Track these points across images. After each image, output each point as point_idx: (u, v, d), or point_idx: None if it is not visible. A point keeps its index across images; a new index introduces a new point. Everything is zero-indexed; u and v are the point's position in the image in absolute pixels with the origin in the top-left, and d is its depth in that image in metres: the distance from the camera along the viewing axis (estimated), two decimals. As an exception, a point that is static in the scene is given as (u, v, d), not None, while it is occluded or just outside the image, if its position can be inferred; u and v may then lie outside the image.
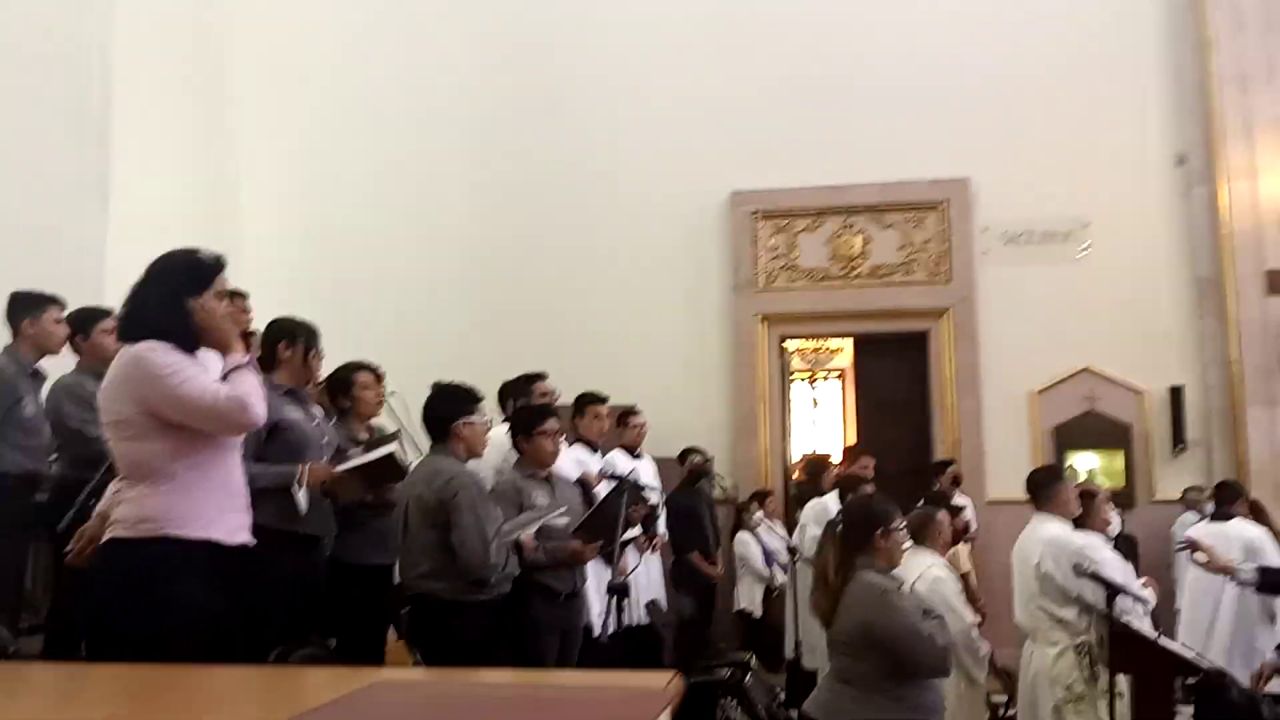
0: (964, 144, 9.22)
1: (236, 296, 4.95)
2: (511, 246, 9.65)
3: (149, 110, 9.28)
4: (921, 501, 6.77)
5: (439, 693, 0.86)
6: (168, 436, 2.97)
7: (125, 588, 2.92)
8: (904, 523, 4.34)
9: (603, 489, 5.52)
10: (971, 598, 6.28)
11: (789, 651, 7.13)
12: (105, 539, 3.01)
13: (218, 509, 3.03)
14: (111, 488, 3.11)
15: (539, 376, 6.07)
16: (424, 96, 9.90)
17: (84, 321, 5.01)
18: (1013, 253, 9.27)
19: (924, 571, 4.87)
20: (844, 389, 14.54)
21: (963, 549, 7.65)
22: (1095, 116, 9.11)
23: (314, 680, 1.44)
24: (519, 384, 6.05)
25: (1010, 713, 5.50)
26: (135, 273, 3.22)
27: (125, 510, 2.98)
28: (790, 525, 8.51)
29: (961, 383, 9.21)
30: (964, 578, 6.77)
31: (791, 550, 6.65)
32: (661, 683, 0.91)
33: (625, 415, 6.93)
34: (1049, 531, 4.99)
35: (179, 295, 3.06)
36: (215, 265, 3.16)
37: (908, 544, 4.59)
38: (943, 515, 5.36)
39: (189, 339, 3.06)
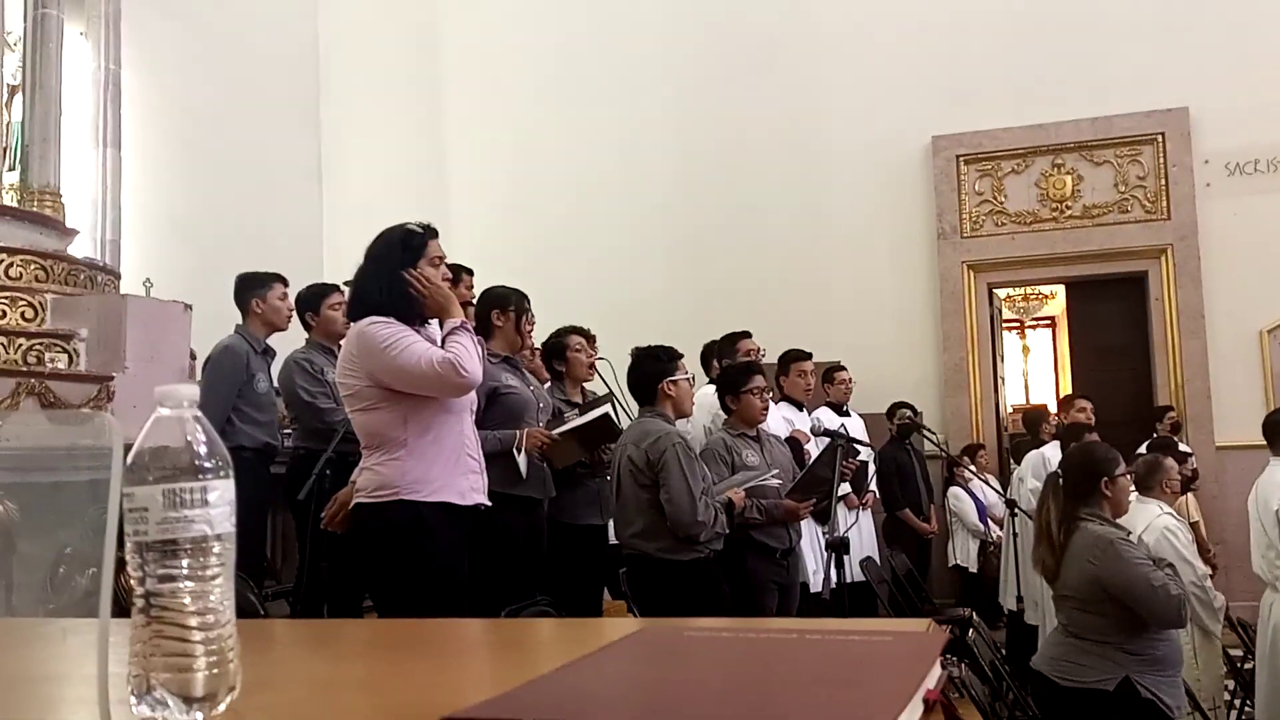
0: (1180, 71, 8.71)
1: (464, 273, 5.10)
2: (714, 208, 9.64)
3: (360, 98, 9.73)
4: (1144, 448, 6.52)
5: (710, 636, 0.87)
6: (397, 405, 3.12)
7: (371, 548, 3.15)
8: (1129, 470, 4.18)
9: (813, 446, 5.49)
10: (1202, 548, 6.00)
11: (1008, 606, 6.96)
12: (352, 504, 3.21)
13: (451, 472, 3.18)
14: (362, 458, 3.29)
15: (743, 335, 6.08)
16: (626, 65, 9.97)
17: (313, 298, 5.23)
18: (1237, 184, 8.72)
19: (1152, 521, 4.66)
20: (1055, 337, 14.03)
21: (1190, 498, 7.31)
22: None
23: (562, 631, 1.48)
24: (724, 343, 6.07)
25: (1248, 666, 5.23)
26: (350, 252, 3.39)
27: (366, 478, 3.17)
28: (1004, 479, 8.31)
29: (1185, 324, 8.76)
30: (1193, 527, 6.47)
31: (1009, 503, 6.46)
32: (922, 627, 0.91)
33: (831, 372, 6.87)
34: (1288, 476, 4.70)
35: (395, 270, 3.20)
36: (426, 234, 3.28)
37: (1133, 493, 4.41)
38: (1170, 462, 5.11)
39: (410, 310, 3.20)
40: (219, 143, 8.18)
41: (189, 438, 0.86)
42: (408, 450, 3.12)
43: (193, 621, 0.84)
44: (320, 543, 4.23)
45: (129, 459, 0.85)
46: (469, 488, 3.24)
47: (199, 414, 0.87)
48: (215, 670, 0.85)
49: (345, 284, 5.30)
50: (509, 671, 0.81)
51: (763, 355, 5.98)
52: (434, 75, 10.37)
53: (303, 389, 5.00)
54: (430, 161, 10.17)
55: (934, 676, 0.76)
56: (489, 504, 3.34)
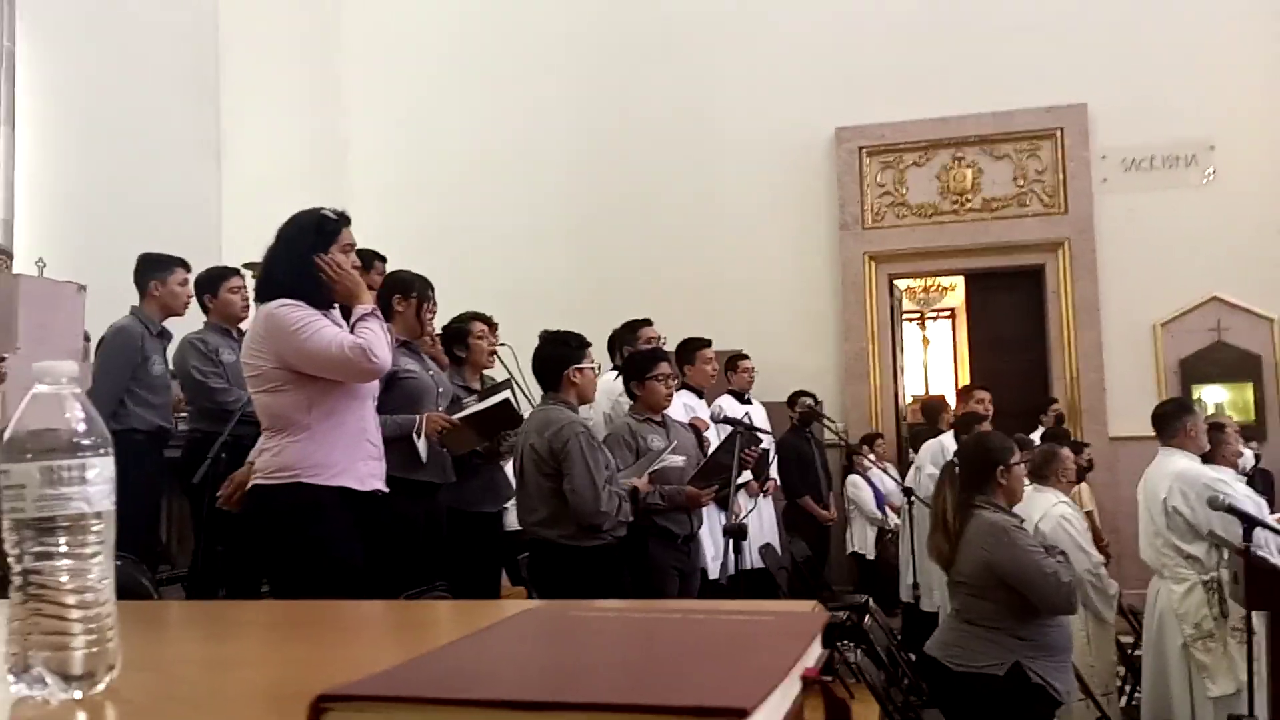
0: (1080, 67, 8.92)
1: (376, 259, 5.04)
2: (616, 194, 9.64)
3: (258, 72, 9.51)
4: (1038, 438, 6.70)
5: (593, 615, 0.88)
6: (302, 388, 3.12)
7: (266, 530, 3.14)
8: (1023, 459, 4.29)
9: (714, 434, 5.54)
10: (1097, 537, 6.17)
11: (904, 593, 7.11)
12: (249, 485, 3.20)
13: (351, 457, 3.18)
14: (260, 439, 3.28)
15: (644, 322, 6.10)
16: (528, 46, 9.92)
17: (212, 281, 5.17)
18: (1133, 179, 8.96)
19: (1048, 510, 4.79)
20: (955, 329, 14.31)
21: (1085, 487, 7.53)
22: (1218, 31, 8.74)
23: (463, 612, 1.48)
24: (624, 330, 6.09)
25: (1137, 652, 5.40)
26: (249, 231, 3.35)
27: (265, 459, 3.16)
28: (903, 467, 8.45)
29: (1080, 317, 8.99)
30: (1088, 516, 6.67)
31: (907, 491, 6.59)
32: (806, 609, 0.93)
33: (734, 360, 6.92)
34: (1177, 466, 4.84)
35: (306, 254, 3.19)
36: (340, 221, 3.29)
37: (1028, 482, 4.53)
38: (1066, 452, 5.26)
39: (319, 294, 3.19)
40: (116, 120, 7.95)
41: (67, 414, 0.84)
42: (309, 434, 3.11)
43: (71, 600, 0.83)
44: (216, 526, 4.17)
45: (5, 435, 0.83)
46: (368, 473, 3.24)
47: (78, 391, 0.86)
48: (94, 648, 0.84)
49: (245, 266, 5.22)
50: (398, 651, 0.81)
51: (663, 342, 6.01)
52: (334, 51, 10.20)
53: (195, 368, 4.94)
54: (330, 140, 10.00)
55: (814, 654, 0.77)
56: (386, 490, 3.34)
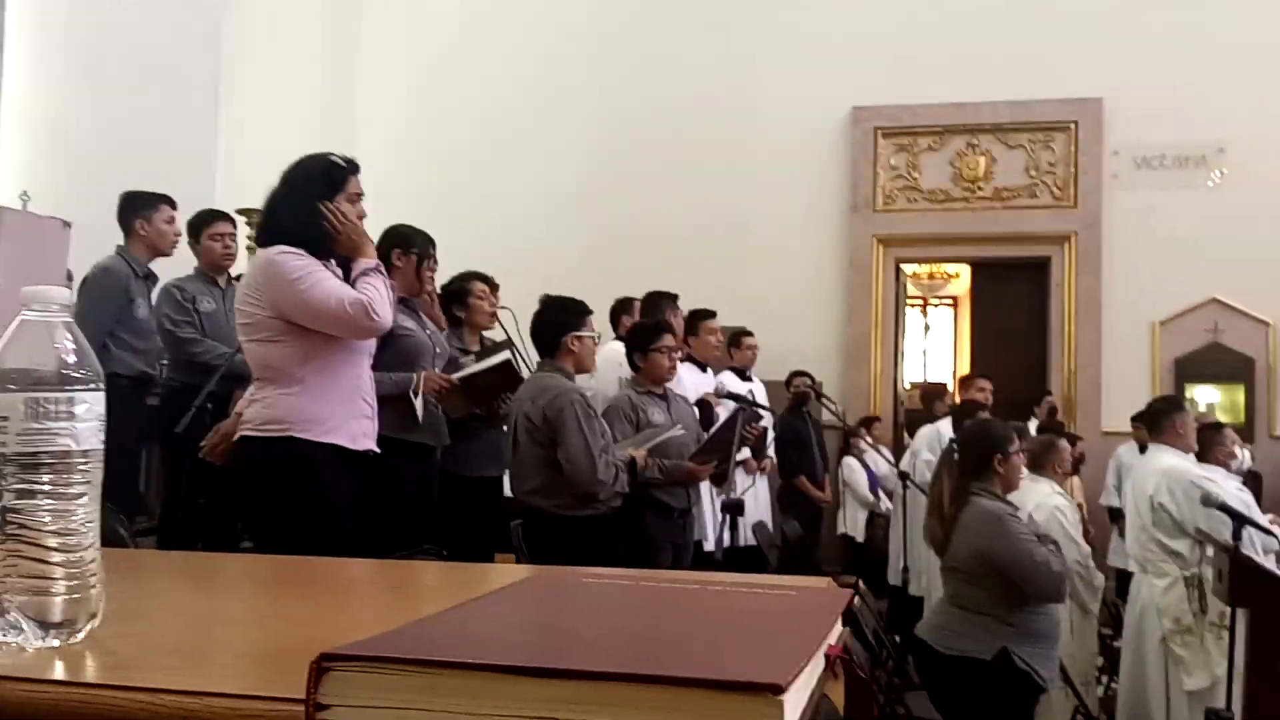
0: (1099, 62, 8.88)
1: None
2: (629, 165, 9.57)
3: (268, 18, 9.34)
4: (1034, 429, 6.69)
5: (606, 583, 0.84)
6: (297, 340, 3.02)
7: (255, 483, 3.06)
8: (1023, 449, 4.26)
9: (722, 410, 5.49)
10: (1083, 529, 6.17)
11: (893, 576, 7.10)
12: (237, 436, 3.10)
13: (345, 414, 3.09)
14: (250, 389, 3.19)
15: (672, 297, 6.04)
16: (550, 8, 9.82)
17: (196, 226, 5.02)
18: (1143, 177, 8.94)
19: (1043, 500, 4.78)
20: (956, 317, 14.29)
21: (1076, 480, 7.53)
22: (1235, 37, 8.71)
23: (451, 575, 1.44)
24: (646, 304, 6.04)
25: (1117, 644, 5.42)
26: (245, 178, 3.27)
27: (255, 410, 3.06)
28: (899, 452, 8.44)
29: (1082, 312, 8.98)
30: (1077, 508, 6.66)
31: (903, 475, 6.57)
32: (823, 585, 0.89)
33: (738, 336, 6.89)
34: (1166, 462, 4.86)
35: (312, 200, 3.09)
36: (349, 169, 3.18)
37: (1025, 471, 4.51)
38: (1064, 443, 5.25)
39: (322, 244, 3.09)
40: (110, 55, 7.75)
41: (57, 344, 0.79)
42: (303, 387, 3.02)
43: (52, 542, 0.79)
44: (198, 478, 4.10)
45: (-10, 363, 0.78)
46: (360, 432, 3.15)
47: (69, 320, 0.81)
48: (76, 595, 0.80)
49: (240, 213, 5.11)
50: (396, 612, 0.77)
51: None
52: (351, 2, 10.09)
53: (167, 316, 4.80)
54: (339, 92, 9.89)
55: (835, 633, 0.74)
56: (378, 451, 3.25)
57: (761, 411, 5.78)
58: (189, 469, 4.19)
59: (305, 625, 0.93)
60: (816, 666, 0.65)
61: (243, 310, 3.10)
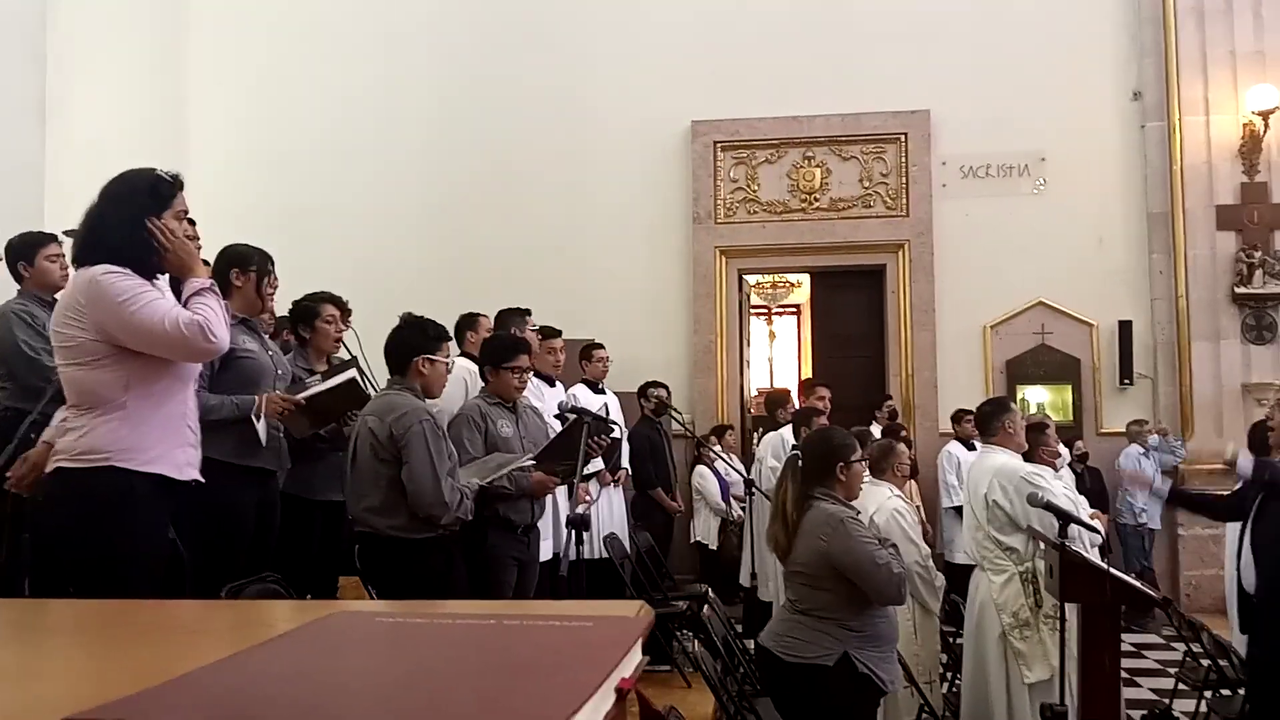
0: (925, 77, 9.21)
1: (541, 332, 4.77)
2: (471, 180, 9.52)
3: (92, 27, 8.95)
4: (878, 432, 6.85)
5: (400, 622, 0.82)
6: (121, 364, 2.87)
7: (71, 517, 2.85)
8: (864, 455, 4.35)
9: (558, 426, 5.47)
10: (921, 530, 6.35)
11: (744, 578, 7.20)
12: (50, 468, 2.92)
13: (167, 443, 2.94)
14: (58, 415, 3.01)
15: (523, 313, 6.01)
16: (386, 23, 9.70)
17: (27, 247, 4.80)
18: (970, 186, 9.30)
19: (883, 503, 4.90)
20: (800, 324, 14.59)
21: (912, 483, 7.76)
22: (1054, 51, 9.13)
23: (272, 613, 1.38)
24: (509, 316, 6.00)
25: (958, 641, 5.57)
26: (75, 196, 3.10)
27: (71, 439, 2.88)
28: (747, 459, 8.55)
29: (917, 317, 9.27)
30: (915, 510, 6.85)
31: (748, 483, 6.66)
32: (632, 611, 0.88)
33: (590, 349, 6.89)
34: (996, 461, 5.02)
35: (138, 216, 2.93)
36: (174, 184, 3.03)
37: (867, 476, 4.61)
38: (902, 448, 5.39)
39: (148, 262, 2.95)
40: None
41: None
42: (124, 414, 2.85)
43: None
44: (22, 513, 3.88)
45: None
46: (185, 461, 3.00)
47: None
48: None
49: (66, 233, 4.88)
50: (171, 663, 0.73)
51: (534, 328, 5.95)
52: (181, 10, 9.74)
53: (25, 343, 4.57)
54: (170, 104, 9.54)
55: (632, 663, 0.73)
56: (202, 480, 3.10)
57: (611, 424, 5.79)
58: (12, 502, 3.96)
59: (71, 680, 0.88)
60: (605, 701, 0.64)
61: (62, 333, 2.92)
